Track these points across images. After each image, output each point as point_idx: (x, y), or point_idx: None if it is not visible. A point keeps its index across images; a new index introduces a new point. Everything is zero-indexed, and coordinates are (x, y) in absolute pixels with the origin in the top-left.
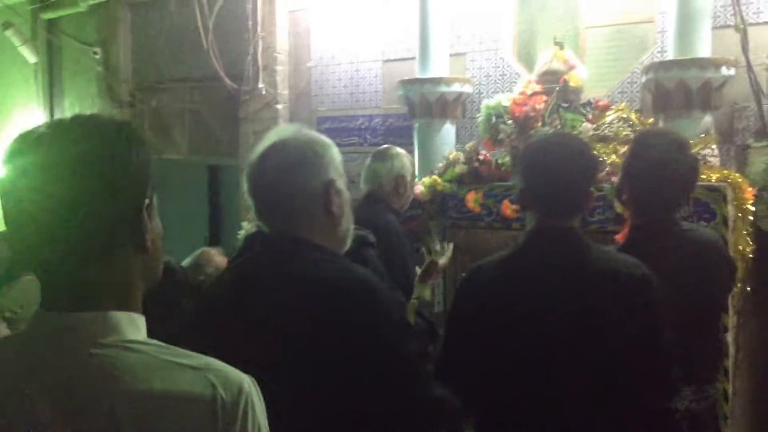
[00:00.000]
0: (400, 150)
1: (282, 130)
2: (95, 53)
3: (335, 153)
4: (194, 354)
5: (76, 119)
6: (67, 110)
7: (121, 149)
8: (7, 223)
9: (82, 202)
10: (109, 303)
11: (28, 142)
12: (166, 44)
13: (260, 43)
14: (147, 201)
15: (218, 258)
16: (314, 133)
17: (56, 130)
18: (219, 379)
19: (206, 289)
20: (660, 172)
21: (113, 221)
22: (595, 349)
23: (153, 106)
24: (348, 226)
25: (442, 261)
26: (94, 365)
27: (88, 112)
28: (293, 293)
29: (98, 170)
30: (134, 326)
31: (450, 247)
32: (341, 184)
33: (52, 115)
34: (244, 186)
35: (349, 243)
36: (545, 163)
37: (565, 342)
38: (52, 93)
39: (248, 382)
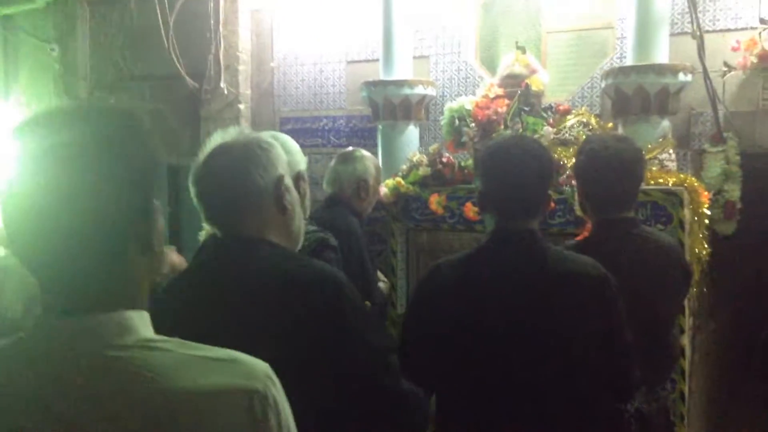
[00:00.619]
0: (365, 153)
1: (225, 134)
2: (52, 50)
3: (281, 150)
4: (213, 347)
5: (94, 103)
6: (23, 107)
7: (139, 141)
8: (4, 216)
9: (91, 197)
10: (122, 303)
11: (37, 122)
12: (126, 42)
13: (222, 42)
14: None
15: (173, 256)
16: (258, 133)
17: (67, 113)
18: (247, 369)
19: (163, 291)
20: (603, 161)
21: (125, 219)
22: (555, 349)
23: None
24: (300, 224)
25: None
26: (120, 368)
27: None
28: (257, 291)
29: (113, 161)
30: (146, 325)
31: None
32: (289, 180)
33: (7, 112)
34: (191, 190)
35: (301, 242)
36: (503, 165)
37: (524, 342)
38: (7, 90)
39: (270, 369)
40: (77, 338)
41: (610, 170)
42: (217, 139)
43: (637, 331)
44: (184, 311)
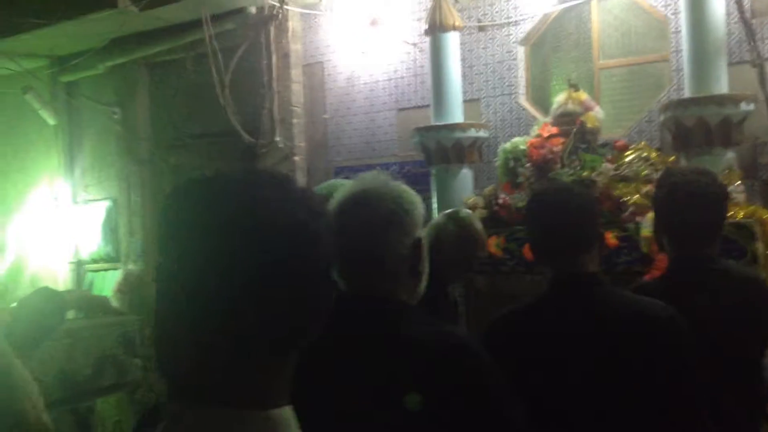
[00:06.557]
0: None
1: (367, 180)
2: (114, 113)
3: (421, 209)
4: None
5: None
6: (87, 171)
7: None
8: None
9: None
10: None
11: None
12: (183, 102)
13: (276, 97)
14: None
15: None
16: (401, 186)
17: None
18: None
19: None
20: (687, 195)
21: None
22: (623, 396)
23: (172, 164)
24: (424, 284)
25: None
26: None
27: (108, 170)
28: (402, 358)
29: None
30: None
31: None
32: (425, 241)
33: (72, 175)
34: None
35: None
36: (542, 217)
37: (593, 391)
38: (72, 154)
39: None
40: None
41: (694, 204)
42: (356, 185)
43: (726, 372)
44: (325, 372)
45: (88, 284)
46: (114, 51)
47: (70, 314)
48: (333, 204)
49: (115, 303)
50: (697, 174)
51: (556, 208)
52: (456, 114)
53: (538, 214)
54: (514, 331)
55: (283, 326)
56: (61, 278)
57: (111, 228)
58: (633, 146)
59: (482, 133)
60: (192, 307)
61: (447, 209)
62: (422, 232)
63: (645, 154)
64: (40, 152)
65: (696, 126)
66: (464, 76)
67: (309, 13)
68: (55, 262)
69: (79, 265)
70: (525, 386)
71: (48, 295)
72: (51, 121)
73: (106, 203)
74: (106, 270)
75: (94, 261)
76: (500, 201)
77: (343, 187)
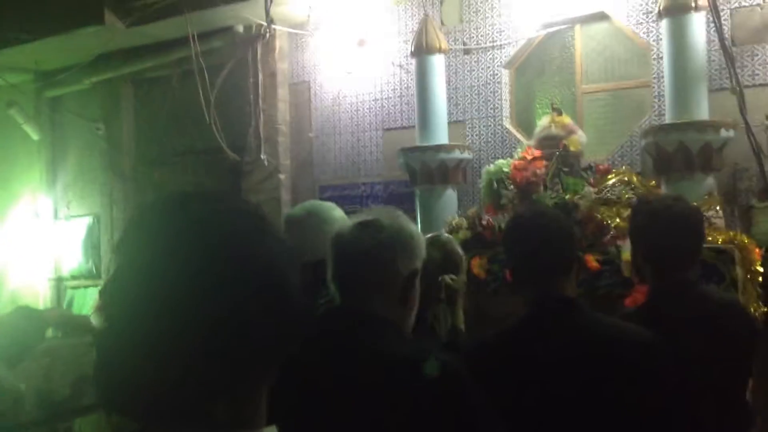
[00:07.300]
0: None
1: (376, 211)
2: (98, 129)
3: (423, 243)
4: None
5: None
6: (70, 186)
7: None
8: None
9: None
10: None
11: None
12: (168, 119)
13: (262, 115)
14: None
15: None
16: (408, 221)
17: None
18: None
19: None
20: (667, 221)
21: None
22: (604, 421)
23: (156, 180)
24: (414, 314)
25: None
26: None
27: (90, 186)
28: (389, 375)
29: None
30: None
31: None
32: (418, 279)
33: (54, 191)
34: (330, 252)
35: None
36: (519, 240)
37: (573, 414)
38: (54, 169)
39: None
40: None
41: (676, 230)
42: (368, 212)
43: (709, 396)
44: (311, 380)
45: (68, 301)
46: (100, 67)
47: (50, 333)
48: (341, 229)
49: (95, 321)
50: (672, 200)
51: (533, 231)
52: (441, 135)
53: (515, 238)
54: (495, 355)
55: (271, 339)
56: (41, 295)
57: (93, 244)
58: (615, 170)
59: (466, 155)
60: (178, 325)
61: (431, 229)
62: (419, 267)
63: (627, 178)
64: (23, 167)
65: (677, 151)
66: (449, 98)
67: (296, 33)
68: (35, 279)
69: (59, 282)
70: (506, 409)
71: (27, 313)
72: (34, 136)
73: (88, 219)
74: (86, 287)
75: (75, 278)
76: (484, 222)
77: (352, 216)
